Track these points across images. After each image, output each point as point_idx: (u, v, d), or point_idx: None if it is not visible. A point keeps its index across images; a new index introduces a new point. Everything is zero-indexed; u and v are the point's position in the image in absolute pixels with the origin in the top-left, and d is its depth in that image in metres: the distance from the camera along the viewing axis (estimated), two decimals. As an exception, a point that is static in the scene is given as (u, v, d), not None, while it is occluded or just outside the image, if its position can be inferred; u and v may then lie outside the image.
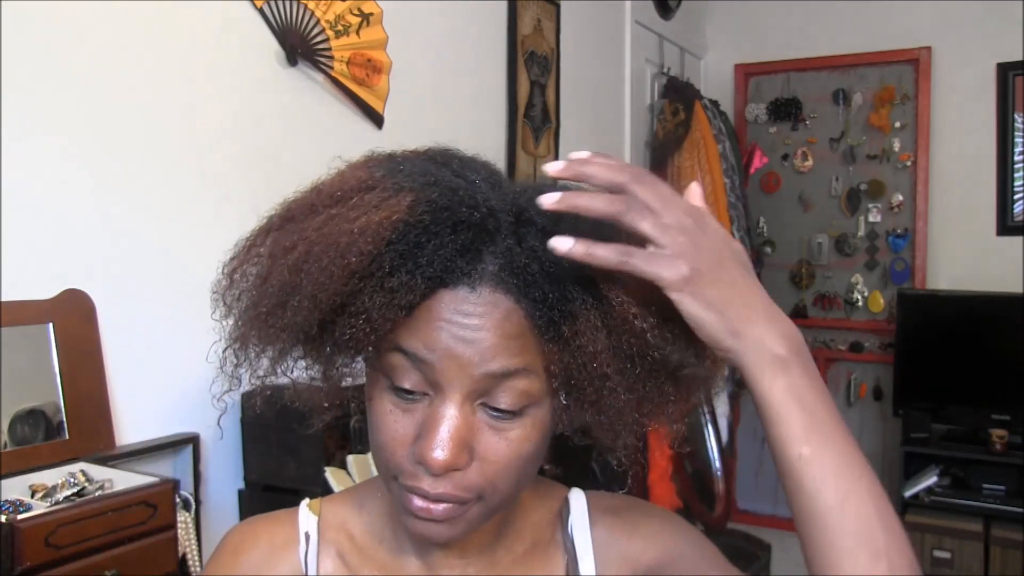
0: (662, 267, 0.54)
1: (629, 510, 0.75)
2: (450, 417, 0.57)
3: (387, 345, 0.57)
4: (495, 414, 0.58)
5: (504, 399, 0.58)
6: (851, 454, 0.55)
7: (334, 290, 0.54)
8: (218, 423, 1.72)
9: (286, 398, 0.63)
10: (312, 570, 0.68)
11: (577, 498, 0.75)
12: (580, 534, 0.73)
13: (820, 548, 0.54)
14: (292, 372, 0.62)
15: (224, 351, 0.61)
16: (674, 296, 0.54)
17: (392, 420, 0.59)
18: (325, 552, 0.69)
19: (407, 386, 0.58)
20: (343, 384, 0.63)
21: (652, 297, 0.56)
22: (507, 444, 0.58)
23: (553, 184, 0.60)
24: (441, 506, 0.58)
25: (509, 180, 0.62)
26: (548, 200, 0.55)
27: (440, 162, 0.61)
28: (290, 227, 0.59)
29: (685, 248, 0.54)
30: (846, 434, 0.55)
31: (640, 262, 0.54)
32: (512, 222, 0.57)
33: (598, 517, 0.73)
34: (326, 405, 0.63)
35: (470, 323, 0.56)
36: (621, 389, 0.58)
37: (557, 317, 0.56)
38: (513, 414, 0.58)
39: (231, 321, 0.61)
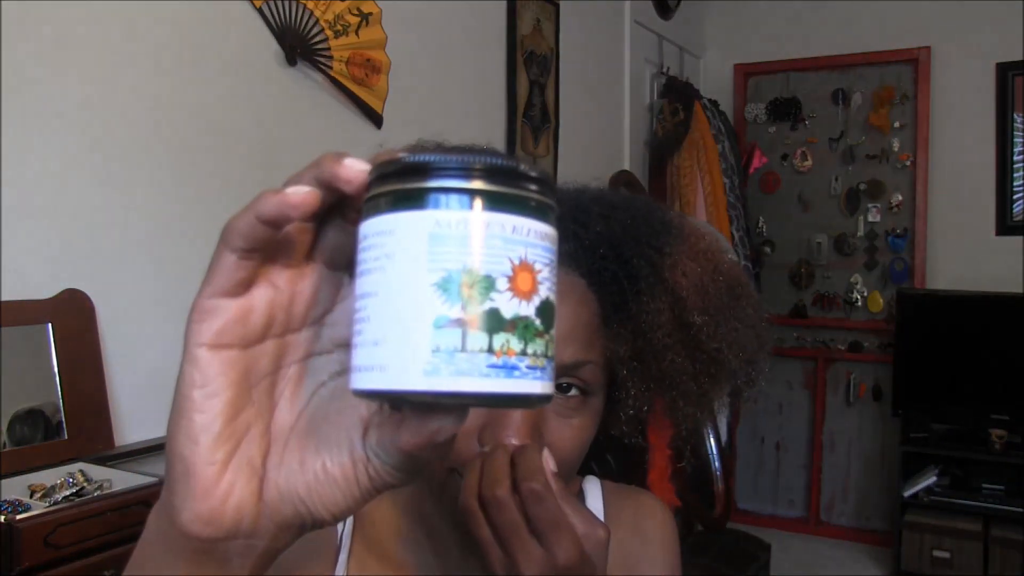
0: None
1: (639, 506, 0.76)
2: None
3: None
4: (560, 397, 0.59)
5: (571, 383, 0.59)
6: None
7: None
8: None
9: None
10: (341, 569, 0.66)
11: (593, 488, 0.75)
12: None
13: None
14: None
15: None
16: None
17: None
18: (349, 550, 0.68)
19: None
20: None
21: (704, 284, 0.59)
22: (572, 431, 0.60)
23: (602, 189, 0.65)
24: None
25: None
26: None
27: None
28: None
29: None
30: None
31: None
32: (570, 209, 0.60)
33: (612, 509, 0.74)
34: None
35: None
36: (681, 358, 0.60)
37: (628, 294, 0.58)
38: (578, 399, 0.60)
39: None
